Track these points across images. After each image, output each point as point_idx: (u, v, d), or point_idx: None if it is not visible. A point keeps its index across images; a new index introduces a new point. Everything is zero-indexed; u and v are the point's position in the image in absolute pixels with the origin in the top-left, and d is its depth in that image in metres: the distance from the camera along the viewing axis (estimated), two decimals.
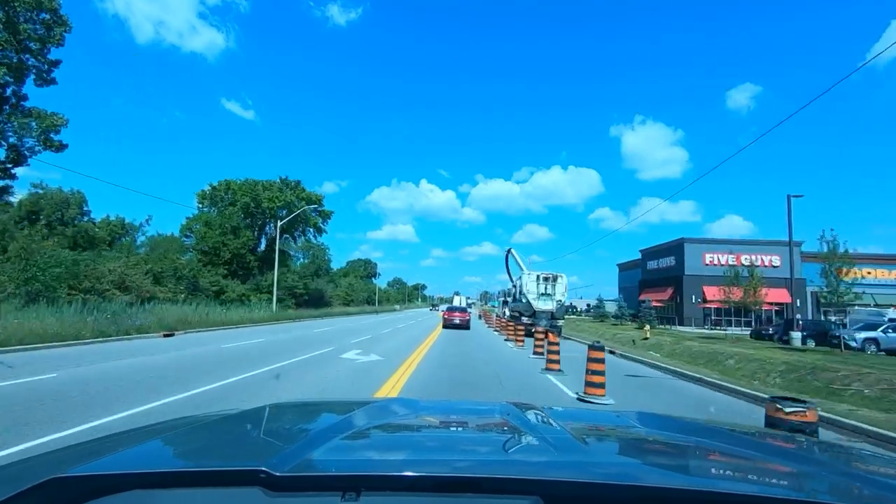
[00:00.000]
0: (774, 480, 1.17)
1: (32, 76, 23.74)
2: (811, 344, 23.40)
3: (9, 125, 22.81)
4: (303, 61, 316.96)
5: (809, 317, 38.14)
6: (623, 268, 65.64)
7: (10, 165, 23.56)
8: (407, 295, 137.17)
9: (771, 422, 3.75)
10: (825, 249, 18.31)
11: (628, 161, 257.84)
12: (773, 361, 14.55)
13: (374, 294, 79.94)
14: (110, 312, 17.58)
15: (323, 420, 1.77)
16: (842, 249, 18.08)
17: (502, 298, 50.08)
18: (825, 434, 6.58)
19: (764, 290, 27.99)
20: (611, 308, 48.97)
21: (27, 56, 23.21)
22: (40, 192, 41.50)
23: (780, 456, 1.35)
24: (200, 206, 45.81)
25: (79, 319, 15.63)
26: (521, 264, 29.75)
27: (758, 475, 1.18)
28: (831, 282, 18.23)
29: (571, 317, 52.76)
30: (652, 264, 51.87)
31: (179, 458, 1.29)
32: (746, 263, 29.50)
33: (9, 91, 23.35)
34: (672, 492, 0.87)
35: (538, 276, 24.44)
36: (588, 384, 8.00)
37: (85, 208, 44.65)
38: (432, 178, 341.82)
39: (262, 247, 47.11)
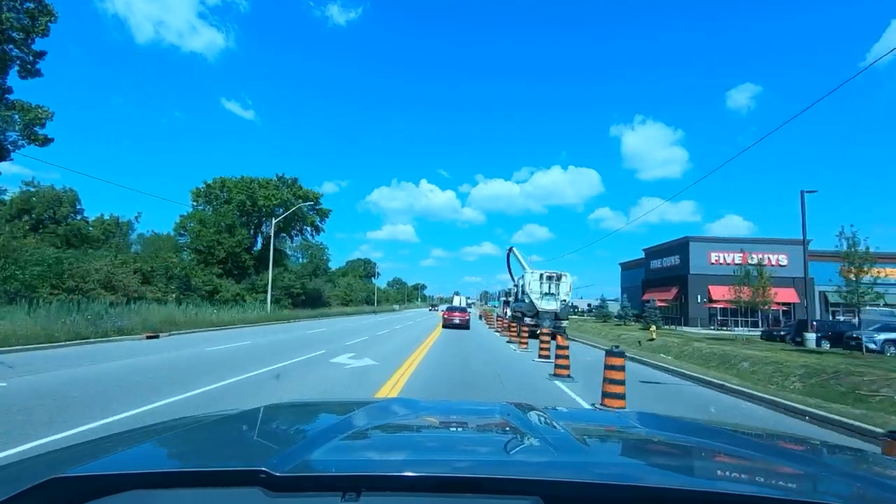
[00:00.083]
0: (774, 481, 1.14)
1: (16, 67, 22.84)
2: (826, 346, 22.52)
3: None
4: (303, 61, 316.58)
5: (817, 317, 37.22)
6: (626, 267, 64.76)
7: None
8: (406, 295, 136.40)
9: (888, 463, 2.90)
10: (844, 246, 17.35)
11: (628, 161, 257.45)
12: (790, 364, 13.62)
13: (373, 294, 79.01)
14: (91, 313, 16.65)
15: (323, 420, 1.78)
16: (862, 247, 17.12)
17: (503, 298, 49.31)
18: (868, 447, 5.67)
19: (773, 290, 27.12)
20: (613, 308, 48.09)
21: (10, 46, 22.30)
22: (32, 189, 40.69)
23: (780, 456, 1.34)
24: (195, 203, 44.92)
25: (56, 320, 14.72)
26: (524, 263, 28.89)
27: (758, 475, 1.17)
28: (851, 281, 17.27)
29: (573, 317, 51.76)
30: (656, 263, 50.99)
31: (179, 459, 1.26)
32: (753, 262, 28.58)
33: None
34: (672, 492, 0.87)
35: (541, 275, 23.54)
36: (606, 395, 7.04)
37: (78, 206, 43.90)
38: (432, 178, 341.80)
39: (259, 246, 46.25)
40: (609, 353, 7.22)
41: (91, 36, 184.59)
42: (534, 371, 11.67)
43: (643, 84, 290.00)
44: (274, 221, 37.53)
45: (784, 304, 38.71)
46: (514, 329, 21.68)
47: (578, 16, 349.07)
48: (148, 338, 16.61)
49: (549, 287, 23.22)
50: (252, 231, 46.30)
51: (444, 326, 29.13)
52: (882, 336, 20.34)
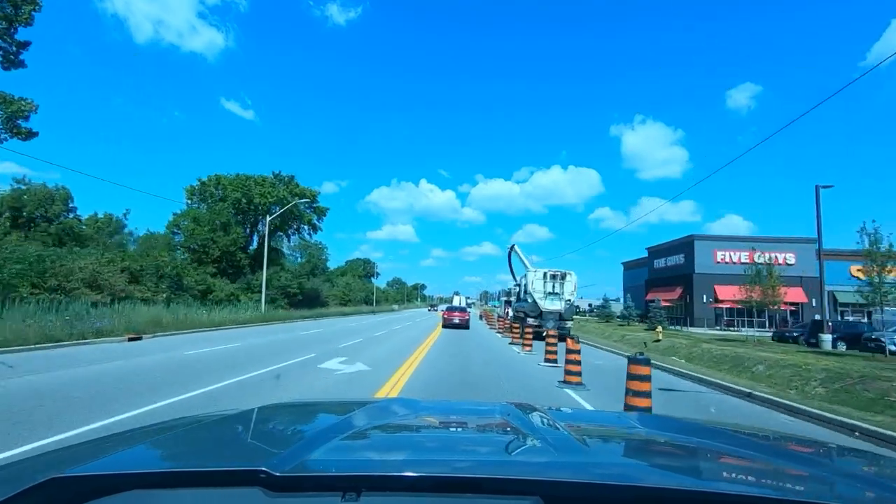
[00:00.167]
0: (775, 481, 1.14)
1: None
2: (842, 347, 21.61)
3: None
4: (302, 61, 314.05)
5: (826, 317, 36.33)
6: (628, 266, 63.84)
7: None
8: (406, 295, 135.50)
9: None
10: (866, 243, 16.42)
11: (628, 161, 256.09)
12: (809, 368, 12.68)
13: (372, 294, 78.04)
14: (70, 314, 15.72)
15: (322, 420, 1.76)
16: (885, 244, 16.18)
17: (504, 298, 48.41)
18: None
19: (783, 289, 26.23)
20: (615, 308, 47.19)
21: None
22: (23, 187, 39.76)
23: (780, 457, 1.34)
24: (189, 201, 43.99)
25: (30, 322, 13.79)
26: (526, 262, 27.92)
27: (758, 476, 1.17)
28: (873, 280, 16.33)
29: (575, 317, 50.92)
30: (659, 263, 50.08)
31: (179, 459, 1.25)
32: (759, 261, 27.76)
33: None
34: (672, 492, 0.87)
35: (545, 274, 22.60)
36: (629, 407, 6.10)
37: (71, 205, 42.98)
38: (432, 178, 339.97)
39: (255, 245, 45.33)
40: (633, 361, 6.23)
41: (91, 36, 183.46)
42: (541, 377, 10.73)
43: (643, 84, 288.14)
44: (269, 219, 36.55)
45: (792, 304, 37.80)
46: (517, 330, 20.79)
47: (578, 16, 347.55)
48: (130, 340, 15.68)
49: (553, 286, 22.27)
50: (248, 229, 45.41)
51: (444, 326, 29.61)
52: None
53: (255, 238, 46.16)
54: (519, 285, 28.20)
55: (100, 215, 45.17)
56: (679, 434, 1.59)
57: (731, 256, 41.75)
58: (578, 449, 1.24)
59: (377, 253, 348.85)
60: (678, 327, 37.65)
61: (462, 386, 9.19)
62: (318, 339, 18.34)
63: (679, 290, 44.32)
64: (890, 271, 16.42)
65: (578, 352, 9.67)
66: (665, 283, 47.37)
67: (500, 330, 29.24)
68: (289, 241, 52.77)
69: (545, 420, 1.60)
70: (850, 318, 36.08)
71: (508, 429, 1.53)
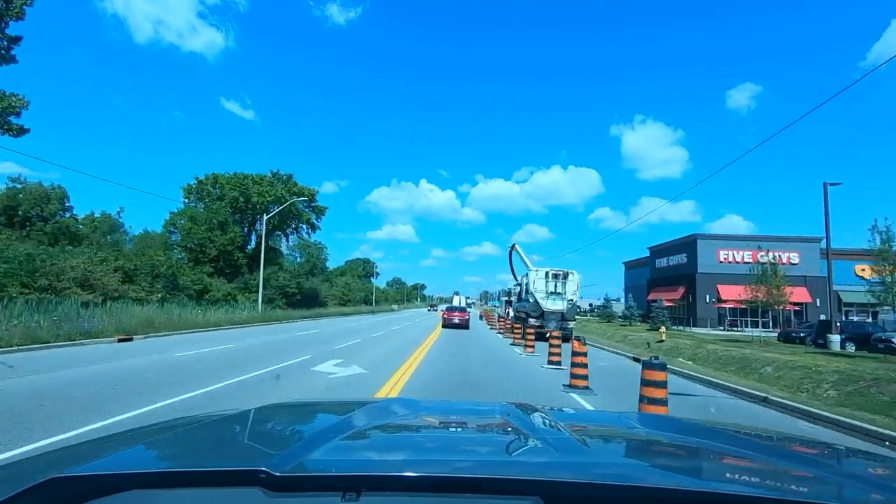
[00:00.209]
0: (775, 481, 1.12)
1: None
2: (851, 348, 21.16)
3: None
4: (302, 61, 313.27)
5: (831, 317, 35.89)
6: (629, 266, 63.39)
7: None
8: (406, 295, 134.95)
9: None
10: (878, 241, 15.96)
11: (628, 161, 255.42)
12: (819, 370, 12.21)
13: (372, 294, 77.52)
14: (58, 314, 15.26)
15: (322, 420, 1.76)
16: None
17: (505, 298, 47.95)
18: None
19: (788, 289, 25.77)
20: (617, 308, 46.74)
21: None
22: (18, 186, 39.30)
23: (781, 457, 1.33)
24: (186, 200, 43.52)
25: (16, 322, 13.34)
26: (527, 261, 27.49)
27: (758, 476, 1.16)
28: (886, 279, 15.88)
29: (576, 317, 50.53)
30: (661, 262, 49.63)
31: (179, 459, 1.25)
32: (763, 261, 27.33)
33: None
34: (672, 492, 0.87)
35: (547, 273, 22.13)
36: None
37: (67, 204, 42.44)
38: (432, 178, 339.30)
39: (252, 244, 44.84)
40: (647, 365, 5.76)
41: (91, 36, 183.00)
42: (544, 380, 10.29)
43: (643, 84, 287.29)
44: (266, 218, 36.08)
45: (796, 303, 37.34)
46: (518, 331, 20.35)
47: (578, 16, 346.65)
48: (120, 341, 15.21)
49: (556, 286, 21.81)
50: (245, 229, 44.94)
51: (444, 326, 29.58)
52: None
53: (253, 237, 45.68)
54: (520, 285, 27.73)
55: (97, 214, 44.90)
56: (679, 434, 1.60)
57: (734, 256, 41.35)
58: (578, 449, 1.24)
59: (377, 253, 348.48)
60: (681, 327, 37.21)
61: (462, 386, 8.81)
62: (314, 340, 17.88)
63: (681, 290, 43.89)
64: None
65: (585, 354, 9.21)
66: (667, 282, 46.94)
67: (501, 330, 28.79)
68: (287, 240, 52.33)
69: (545, 420, 1.62)
70: (855, 319, 35.63)
71: (509, 429, 1.53)
